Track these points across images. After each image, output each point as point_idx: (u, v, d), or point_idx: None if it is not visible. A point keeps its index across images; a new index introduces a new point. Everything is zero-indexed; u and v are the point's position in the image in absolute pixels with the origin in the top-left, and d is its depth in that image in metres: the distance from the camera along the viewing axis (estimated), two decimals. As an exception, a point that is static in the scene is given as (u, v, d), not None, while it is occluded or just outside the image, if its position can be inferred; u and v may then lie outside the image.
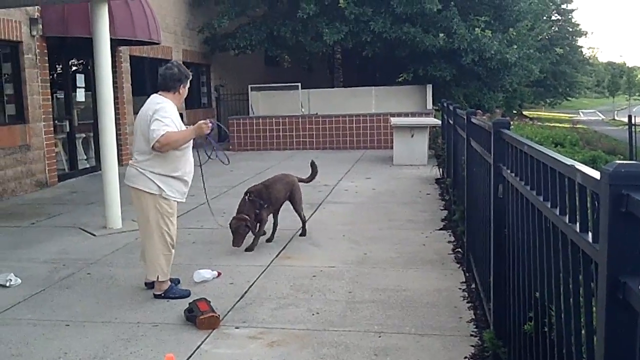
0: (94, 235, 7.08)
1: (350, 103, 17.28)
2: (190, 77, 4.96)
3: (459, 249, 6.02)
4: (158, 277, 4.82)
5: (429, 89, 17.45)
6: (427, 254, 5.96)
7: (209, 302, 4.44)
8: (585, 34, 50.17)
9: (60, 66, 11.91)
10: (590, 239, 1.77)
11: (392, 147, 13.02)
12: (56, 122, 11.20)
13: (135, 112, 5.15)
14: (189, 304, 4.45)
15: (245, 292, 4.98)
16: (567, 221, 2.04)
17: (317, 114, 16.31)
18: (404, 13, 16.13)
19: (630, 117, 21.26)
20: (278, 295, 4.89)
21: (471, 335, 4.06)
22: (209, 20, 17.06)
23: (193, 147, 4.95)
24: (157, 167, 4.70)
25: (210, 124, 4.75)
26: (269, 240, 6.41)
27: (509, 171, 3.19)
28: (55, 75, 11.61)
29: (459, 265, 5.56)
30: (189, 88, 4.98)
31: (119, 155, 8.20)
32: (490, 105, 18.75)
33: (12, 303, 4.87)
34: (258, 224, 6.15)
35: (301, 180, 6.81)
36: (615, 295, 1.54)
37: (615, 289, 1.54)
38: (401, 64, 17.69)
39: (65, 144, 11.71)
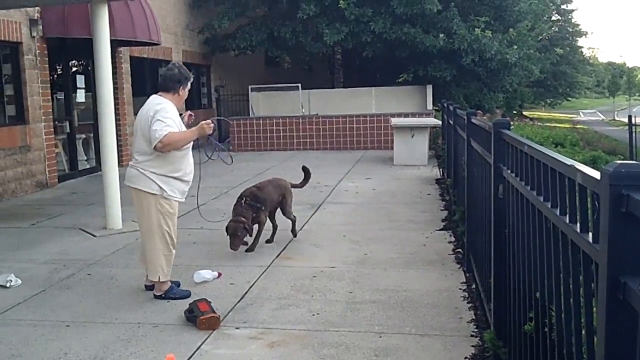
0: (94, 236, 7.08)
1: (350, 103, 17.29)
2: (191, 79, 4.95)
3: (460, 250, 6.02)
4: (159, 278, 4.82)
5: (429, 89, 17.45)
6: (427, 255, 5.96)
7: (210, 302, 4.44)
8: (586, 34, 50.24)
9: (61, 67, 11.92)
10: (590, 239, 1.77)
11: (392, 148, 13.02)
12: (56, 123, 11.20)
13: (136, 113, 5.15)
14: (190, 304, 4.45)
15: (246, 293, 4.98)
16: (567, 221, 2.04)
17: (317, 114, 16.31)
18: (404, 14, 16.13)
19: (630, 117, 21.26)
20: (278, 296, 4.89)
21: (472, 335, 4.06)
22: (209, 21, 17.07)
23: (194, 148, 4.95)
24: (158, 168, 4.70)
25: (212, 125, 4.75)
26: (268, 241, 6.40)
27: (509, 171, 3.19)
28: (55, 76, 11.62)
29: (459, 266, 5.57)
30: (189, 90, 4.98)
31: (119, 156, 8.21)
32: (490, 105, 18.75)
33: (12, 304, 4.87)
34: (256, 226, 6.12)
35: (294, 186, 6.74)
36: (616, 296, 1.54)
37: (615, 289, 1.54)
38: (401, 65, 17.69)
39: (66, 144, 11.71)
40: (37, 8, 10.20)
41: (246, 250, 6.04)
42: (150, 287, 4.98)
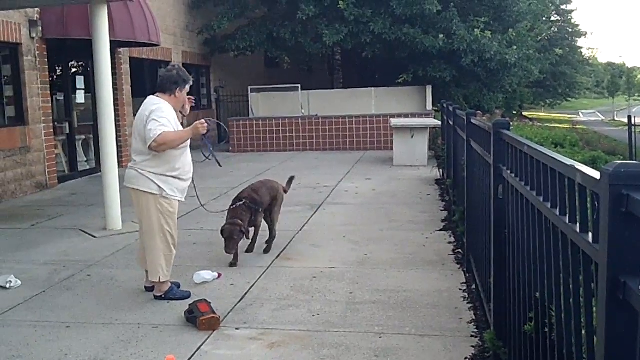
0: (94, 236, 7.08)
1: (350, 104, 17.28)
2: (190, 81, 4.93)
3: (459, 250, 6.02)
4: (159, 278, 4.83)
5: (429, 89, 17.44)
6: (427, 255, 5.96)
7: (210, 303, 4.44)
8: (585, 35, 50.25)
9: (60, 68, 11.92)
10: (590, 239, 1.77)
11: (392, 148, 13.02)
12: (56, 124, 11.20)
13: (135, 114, 5.15)
14: (189, 305, 4.45)
15: (246, 293, 4.98)
16: (567, 221, 2.04)
17: (317, 115, 16.32)
18: (403, 14, 16.13)
19: (630, 117, 21.29)
20: (278, 297, 4.89)
21: (472, 335, 4.06)
22: (209, 21, 17.07)
23: (192, 149, 4.95)
24: (156, 167, 4.71)
25: (206, 125, 4.74)
26: (265, 250, 6.19)
27: (509, 172, 3.19)
28: (55, 77, 11.62)
29: (459, 266, 5.57)
30: (188, 92, 4.98)
31: (119, 156, 8.22)
32: (490, 106, 18.75)
33: (12, 305, 4.87)
34: (253, 229, 5.99)
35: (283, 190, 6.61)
36: (616, 295, 1.54)
37: (615, 289, 1.54)
38: (401, 65, 17.68)
39: (65, 145, 11.71)
40: (36, 9, 10.20)
41: (246, 251, 6.03)
42: (150, 288, 4.98)
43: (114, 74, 11.01)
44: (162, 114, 4.62)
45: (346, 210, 8.27)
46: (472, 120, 5.06)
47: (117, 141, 8.69)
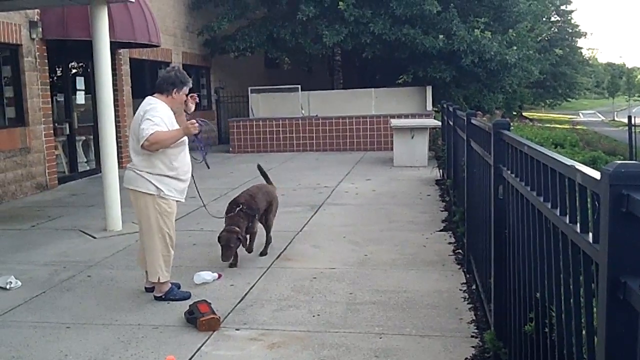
0: (94, 237, 7.08)
1: (350, 105, 17.29)
2: (188, 83, 4.92)
3: (460, 250, 6.02)
4: (159, 279, 4.83)
5: (429, 90, 17.45)
6: (427, 255, 5.96)
7: (210, 303, 4.44)
8: (585, 35, 50.22)
9: (60, 69, 11.93)
10: (590, 239, 1.77)
11: (392, 149, 13.02)
12: (56, 124, 11.20)
13: (135, 115, 5.15)
14: (190, 305, 4.45)
15: (246, 294, 4.98)
16: (567, 222, 2.04)
17: (317, 115, 16.32)
18: (403, 15, 16.13)
19: (630, 117, 21.29)
20: (278, 297, 4.89)
21: (472, 336, 4.05)
22: (209, 22, 17.07)
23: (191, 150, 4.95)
24: (153, 167, 4.72)
25: (197, 125, 4.73)
26: (262, 253, 6.13)
27: (509, 172, 3.19)
28: (55, 78, 11.62)
29: (459, 267, 5.56)
30: (187, 94, 4.97)
31: (119, 157, 8.22)
32: (490, 106, 18.74)
33: (12, 305, 4.87)
34: (249, 236, 5.85)
35: None
36: (616, 296, 1.54)
37: (615, 289, 1.54)
38: (401, 66, 17.69)
39: (66, 146, 11.71)
40: (36, 10, 10.20)
41: (246, 250, 6.00)
42: (150, 289, 4.98)
43: (114, 74, 11.02)
44: (156, 114, 4.64)
45: (346, 210, 8.27)
46: (472, 121, 5.06)
47: (117, 142, 8.69)
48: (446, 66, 16.92)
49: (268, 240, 6.21)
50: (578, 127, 38.28)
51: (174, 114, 4.95)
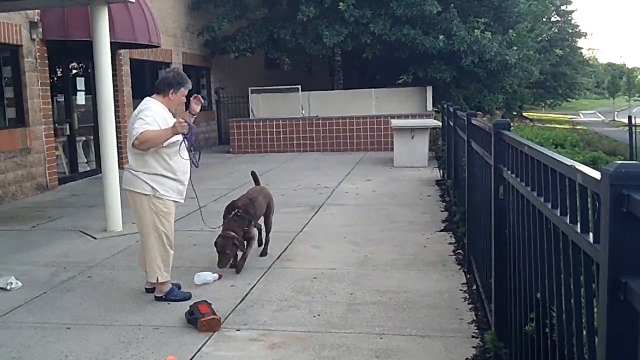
0: (95, 238, 7.08)
1: (350, 105, 17.29)
2: (187, 84, 4.90)
3: (460, 251, 6.01)
4: (157, 279, 4.83)
5: (429, 90, 17.45)
6: (428, 256, 5.96)
7: (210, 304, 4.44)
8: (585, 35, 50.22)
9: (61, 69, 11.93)
10: (591, 239, 1.77)
11: (392, 149, 13.02)
12: (56, 125, 11.21)
13: (136, 115, 5.15)
14: (190, 306, 4.45)
15: (246, 295, 4.98)
16: (568, 222, 2.04)
17: (317, 116, 16.32)
18: (403, 15, 16.14)
19: (630, 117, 21.28)
20: (279, 298, 4.89)
21: (472, 336, 4.05)
22: (209, 23, 17.07)
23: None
24: (148, 167, 4.73)
25: (185, 124, 4.69)
26: (262, 254, 6.13)
27: (509, 172, 3.19)
28: (55, 78, 11.62)
29: (459, 267, 5.56)
30: (185, 95, 4.96)
31: (119, 158, 8.21)
32: (490, 106, 18.74)
33: (13, 306, 4.87)
34: (246, 242, 5.69)
35: None
36: (616, 296, 1.54)
37: (616, 289, 1.54)
38: (401, 66, 17.69)
39: (66, 147, 11.72)
40: (37, 11, 10.21)
41: (233, 267, 5.90)
42: (150, 290, 4.98)
43: (114, 75, 11.01)
44: (149, 113, 4.66)
45: (346, 211, 8.27)
46: (473, 121, 5.06)
47: (118, 142, 8.68)
48: (446, 66, 16.92)
49: (267, 240, 6.21)
50: (578, 127, 38.27)
51: (174, 115, 4.96)
